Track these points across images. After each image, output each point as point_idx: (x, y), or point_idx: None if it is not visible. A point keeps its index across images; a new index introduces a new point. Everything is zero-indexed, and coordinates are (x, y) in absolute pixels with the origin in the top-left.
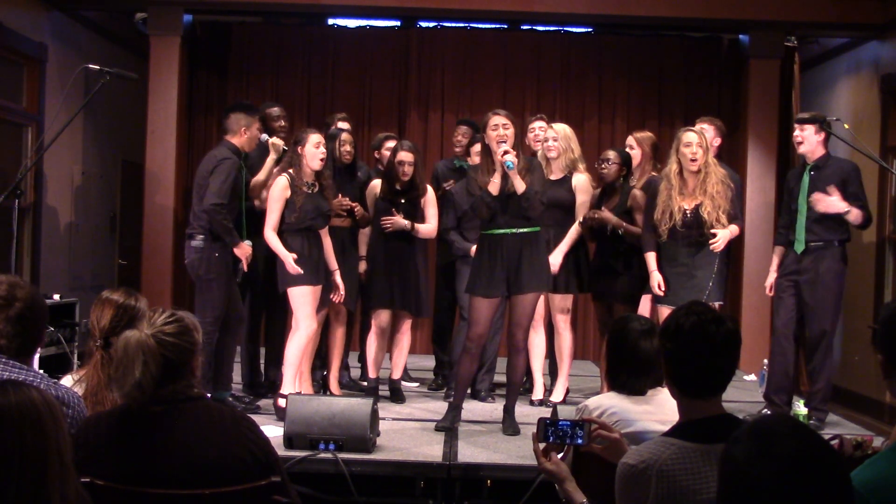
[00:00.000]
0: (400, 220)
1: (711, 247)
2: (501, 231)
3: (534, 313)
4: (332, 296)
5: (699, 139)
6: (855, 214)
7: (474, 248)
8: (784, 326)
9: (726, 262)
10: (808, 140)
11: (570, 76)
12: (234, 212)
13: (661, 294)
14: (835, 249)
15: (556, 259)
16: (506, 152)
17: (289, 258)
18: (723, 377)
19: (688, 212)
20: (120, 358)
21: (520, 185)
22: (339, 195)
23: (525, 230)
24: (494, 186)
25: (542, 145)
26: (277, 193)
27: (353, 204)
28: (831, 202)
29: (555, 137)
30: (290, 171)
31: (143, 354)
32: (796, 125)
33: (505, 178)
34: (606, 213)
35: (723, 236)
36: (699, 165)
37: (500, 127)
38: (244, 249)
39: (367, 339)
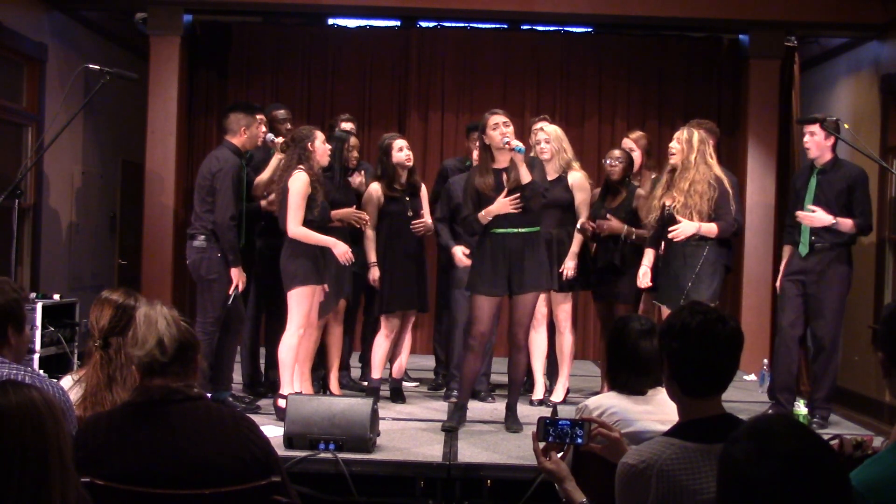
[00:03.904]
0: (429, 221)
1: (670, 235)
2: (504, 230)
3: (534, 311)
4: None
5: (681, 134)
6: (844, 225)
7: (458, 248)
8: (790, 326)
9: (719, 262)
10: (818, 144)
11: (570, 76)
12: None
13: (645, 286)
14: (840, 251)
15: (570, 264)
16: (511, 140)
17: (340, 247)
18: (726, 376)
19: (666, 209)
20: (140, 323)
21: (525, 175)
22: (354, 206)
23: (526, 230)
24: (486, 218)
25: (534, 147)
26: (302, 189)
27: (363, 214)
28: (816, 217)
29: (546, 139)
30: (303, 167)
31: (164, 318)
32: (805, 130)
33: (508, 171)
34: (615, 223)
35: (683, 227)
36: (677, 161)
37: (500, 125)
38: (240, 276)
39: (373, 339)
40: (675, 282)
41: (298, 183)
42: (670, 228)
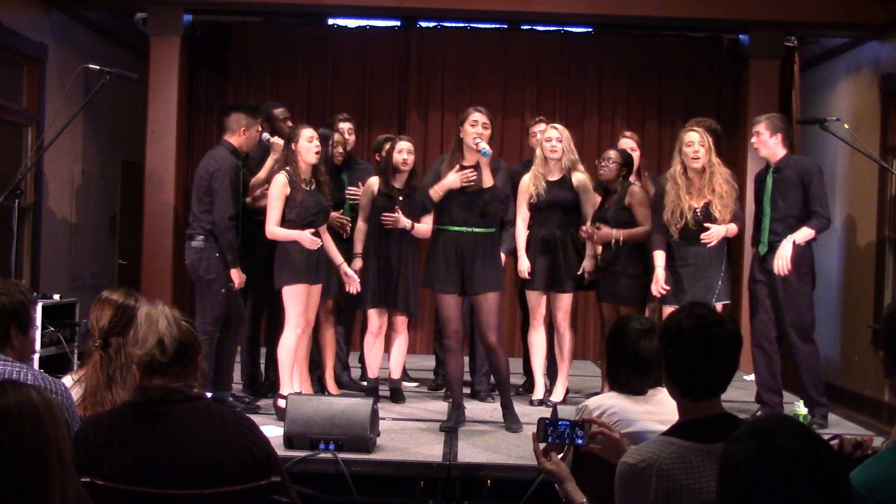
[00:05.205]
0: (402, 219)
1: (703, 240)
2: (458, 228)
3: (499, 311)
4: (347, 288)
5: (700, 138)
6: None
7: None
8: (765, 328)
9: (729, 262)
10: (765, 143)
11: (570, 76)
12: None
13: (662, 293)
14: (800, 248)
15: (588, 265)
16: (480, 142)
17: (304, 235)
18: (724, 378)
19: (698, 210)
20: (141, 322)
21: (487, 180)
22: (340, 212)
23: (481, 230)
24: (437, 193)
25: (541, 146)
26: (277, 191)
27: (346, 220)
28: (712, 234)
29: (559, 138)
30: (288, 168)
31: (165, 318)
32: (752, 130)
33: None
34: (604, 231)
35: (716, 231)
36: (703, 164)
37: (479, 124)
38: (240, 276)
39: (364, 339)
40: (703, 282)
41: (275, 185)
42: (703, 235)
